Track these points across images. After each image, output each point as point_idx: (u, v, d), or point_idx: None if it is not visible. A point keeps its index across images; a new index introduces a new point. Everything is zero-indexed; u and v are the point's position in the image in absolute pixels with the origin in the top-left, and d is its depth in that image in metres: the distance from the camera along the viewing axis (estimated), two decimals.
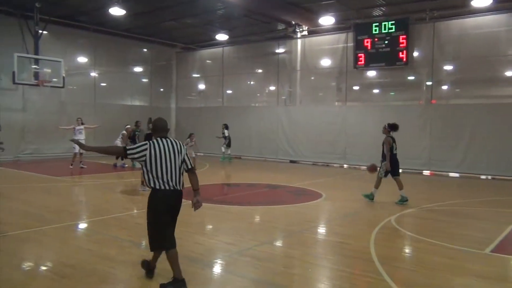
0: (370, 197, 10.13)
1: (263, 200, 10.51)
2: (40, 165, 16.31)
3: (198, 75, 24.67)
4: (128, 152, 4.64)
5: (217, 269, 5.47)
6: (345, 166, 18.17)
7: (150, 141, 4.67)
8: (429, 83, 16.64)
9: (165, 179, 4.60)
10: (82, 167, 15.28)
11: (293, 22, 19.29)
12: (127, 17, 18.13)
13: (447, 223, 8.21)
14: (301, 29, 19.54)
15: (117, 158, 15.76)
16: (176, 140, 4.83)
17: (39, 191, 11.26)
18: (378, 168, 10.14)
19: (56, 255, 5.80)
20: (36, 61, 17.00)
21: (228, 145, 19.48)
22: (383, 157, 9.93)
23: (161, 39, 23.48)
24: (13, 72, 15.99)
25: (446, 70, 16.69)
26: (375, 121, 17.27)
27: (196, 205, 4.95)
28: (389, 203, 9.87)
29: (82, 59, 21.36)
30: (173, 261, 4.61)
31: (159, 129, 4.82)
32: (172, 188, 4.64)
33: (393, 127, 9.98)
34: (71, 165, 15.23)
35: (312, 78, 20.30)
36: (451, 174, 15.87)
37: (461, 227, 7.88)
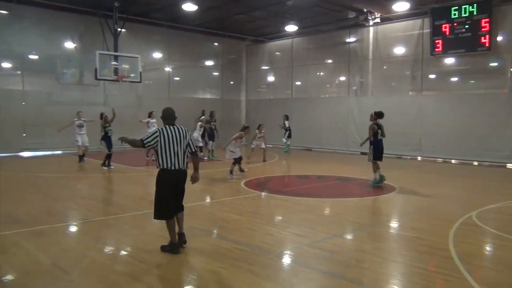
0: (378, 182, 10.59)
1: (334, 192, 10.36)
2: (120, 155, 17.25)
3: (267, 67, 24.77)
4: (145, 142, 5.43)
5: (288, 260, 5.47)
6: (419, 158, 17.38)
7: (160, 128, 5.45)
8: None
9: (173, 161, 5.38)
10: (154, 160, 16.08)
11: (365, 10, 18.68)
12: (198, 12, 18.61)
13: None
14: (373, 17, 18.88)
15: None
16: (182, 127, 5.59)
17: (121, 180, 11.95)
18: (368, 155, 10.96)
19: (134, 241, 6.11)
20: (116, 58, 17.98)
21: (289, 136, 19.50)
22: (370, 142, 10.80)
23: (232, 33, 23.84)
24: (95, 69, 17.05)
25: None
26: (453, 111, 16.39)
27: (194, 179, 5.77)
28: (469, 199, 9.31)
29: (157, 55, 22.31)
30: (170, 228, 5.50)
31: (167, 117, 5.58)
32: (177, 168, 5.41)
33: (379, 114, 10.83)
34: (147, 156, 15.99)
35: (385, 67, 19.59)
36: None
37: None
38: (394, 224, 7.50)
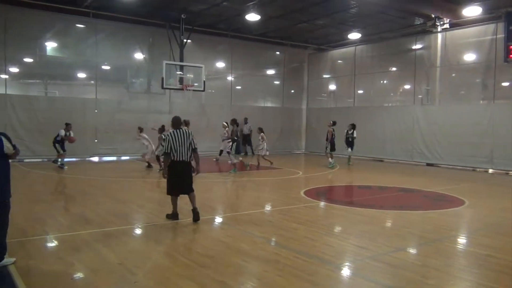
0: (332, 165, 16.35)
1: (397, 204, 10.00)
2: None
3: (329, 76, 24.53)
4: (166, 151, 7.35)
5: (349, 272, 5.34)
6: (491, 171, 16.37)
7: (170, 132, 7.43)
8: None
9: (179, 155, 7.31)
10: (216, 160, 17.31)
11: (433, 16, 18.00)
12: (262, 22, 18.85)
13: None
14: (441, 22, 18.14)
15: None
16: (186, 130, 7.51)
17: None
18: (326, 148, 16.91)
19: (195, 246, 6.26)
20: (181, 68, 18.65)
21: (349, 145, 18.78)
22: (327, 140, 16.82)
23: (294, 42, 23.90)
24: (162, 78, 17.77)
25: None
26: None
27: (196, 172, 7.79)
28: None
29: (220, 64, 22.84)
30: (173, 202, 7.55)
31: (176, 123, 7.58)
32: (182, 160, 7.35)
33: (335, 123, 17.06)
34: (216, 160, 17.34)
35: (453, 74, 18.72)
36: None
37: None
38: (462, 240, 7.11)
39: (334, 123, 16.90)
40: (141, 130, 15.47)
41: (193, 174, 7.68)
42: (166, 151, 7.34)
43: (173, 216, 7.54)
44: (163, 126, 14.64)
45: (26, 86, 18.42)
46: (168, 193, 7.56)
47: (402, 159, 19.48)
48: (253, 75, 23.60)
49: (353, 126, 17.66)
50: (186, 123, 13.50)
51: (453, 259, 5.92)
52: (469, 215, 8.95)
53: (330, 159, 16.65)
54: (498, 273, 5.26)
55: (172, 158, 7.31)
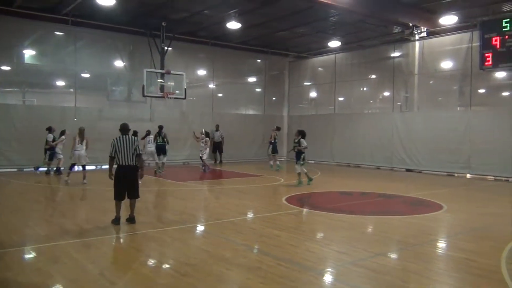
0: (276, 168, 17.48)
1: (377, 209, 10.11)
2: (169, 170, 17.68)
3: (310, 83, 24.73)
4: (111, 155, 7.68)
5: (330, 278, 5.38)
6: (468, 176, 16.69)
7: (115, 138, 7.71)
8: None
9: (124, 159, 7.62)
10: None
11: (411, 24, 18.36)
12: (242, 30, 18.93)
13: None
14: (419, 31, 18.52)
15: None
16: (132, 136, 7.93)
17: (165, 194, 12.21)
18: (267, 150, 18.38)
19: (177, 254, 6.21)
20: (162, 75, 18.55)
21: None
22: (270, 143, 18.02)
23: (274, 49, 24.05)
24: (143, 86, 17.64)
25: None
26: (505, 127, 15.67)
27: (140, 176, 7.94)
28: None
29: (201, 72, 22.81)
30: (116, 206, 7.75)
31: (123, 129, 7.93)
32: (127, 164, 7.65)
33: (278, 128, 18.55)
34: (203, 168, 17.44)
35: (431, 82, 19.09)
36: None
37: None
38: (441, 244, 7.22)
39: (278, 129, 18.34)
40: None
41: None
42: (111, 155, 7.67)
43: (116, 220, 7.71)
44: (148, 131, 16.57)
45: (3, 95, 18.00)
46: (115, 198, 7.73)
47: (382, 165, 19.72)
48: (235, 83, 23.63)
49: (301, 133, 13.55)
50: (81, 131, 13.93)
51: (433, 263, 6.01)
52: (448, 220, 9.10)
53: (271, 162, 17.82)
54: (477, 277, 5.36)
55: (118, 163, 7.65)
